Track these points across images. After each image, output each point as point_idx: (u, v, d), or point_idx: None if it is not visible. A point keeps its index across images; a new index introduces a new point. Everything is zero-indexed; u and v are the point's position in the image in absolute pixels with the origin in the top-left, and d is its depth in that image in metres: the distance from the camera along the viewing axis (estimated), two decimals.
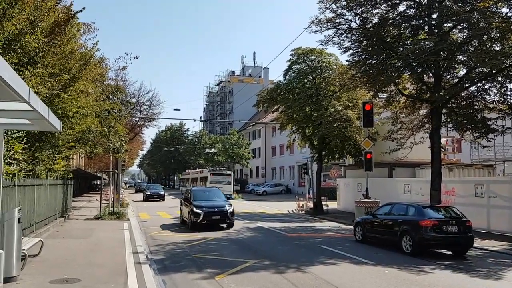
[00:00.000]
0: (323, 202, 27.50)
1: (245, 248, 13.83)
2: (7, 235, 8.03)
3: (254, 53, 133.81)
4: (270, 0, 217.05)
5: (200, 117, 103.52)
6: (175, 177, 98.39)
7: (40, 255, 10.72)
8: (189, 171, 61.02)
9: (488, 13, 15.16)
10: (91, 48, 16.22)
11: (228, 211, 18.19)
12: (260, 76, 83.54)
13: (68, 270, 9.29)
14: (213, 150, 57.11)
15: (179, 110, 47.35)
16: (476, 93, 18.44)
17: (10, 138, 11.12)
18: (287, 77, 28.92)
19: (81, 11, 13.54)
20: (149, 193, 41.86)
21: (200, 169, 53.22)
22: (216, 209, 18.08)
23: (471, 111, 18.00)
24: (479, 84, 17.93)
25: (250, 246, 14.24)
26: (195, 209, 17.82)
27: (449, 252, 13.19)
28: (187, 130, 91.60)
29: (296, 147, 41.31)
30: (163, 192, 42.72)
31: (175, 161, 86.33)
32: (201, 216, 17.59)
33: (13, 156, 11.33)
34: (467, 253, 13.01)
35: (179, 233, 17.00)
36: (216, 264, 10.96)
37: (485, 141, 18.46)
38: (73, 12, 13.51)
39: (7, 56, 10.13)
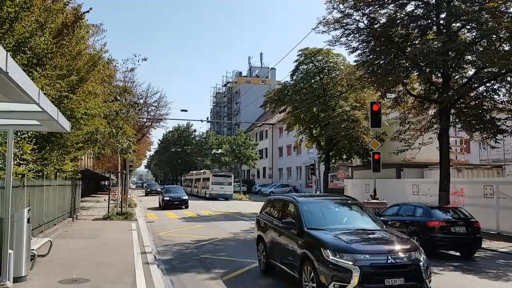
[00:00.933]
0: None
1: (253, 248, 13.70)
2: (17, 235, 8.09)
3: (261, 53, 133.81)
4: (277, 0, 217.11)
5: (207, 118, 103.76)
6: (182, 178, 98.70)
7: (49, 255, 10.78)
8: (193, 172, 62.84)
9: (497, 12, 15.04)
10: (100, 50, 16.34)
11: (421, 263, 7.30)
12: (267, 77, 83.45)
13: (76, 270, 9.35)
14: (220, 150, 57.18)
15: (186, 111, 48.20)
16: (485, 93, 18.30)
17: (19, 139, 11.21)
18: (294, 77, 28.93)
19: (88, 11, 13.67)
20: (167, 198, 31.87)
21: (203, 171, 55.20)
22: (389, 258, 7.13)
23: (480, 111, 17.88)
24: (488, 84, 17.80)
25: None
26: (332, 258, 7.06)
27: (457, 253, 13.11)
28: (194, 131, 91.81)
29: (303, 147, 41.29)
30: (186, 197, 33.35)
31: (182, 161, 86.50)
32: (356, 278, 6.81)
33: (22, 156, 11.43)
34: (475, 254, 12.92)
35: (186, 234, 17.04)
36: (224, 264, 10.99)
37: (494, 142, 18.31)
38: (80, 13, 13.62)
39: (17, 57, 10.23)
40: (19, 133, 11.22)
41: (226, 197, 44.28)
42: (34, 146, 12.33)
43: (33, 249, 8.96)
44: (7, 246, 7.33)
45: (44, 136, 13.86)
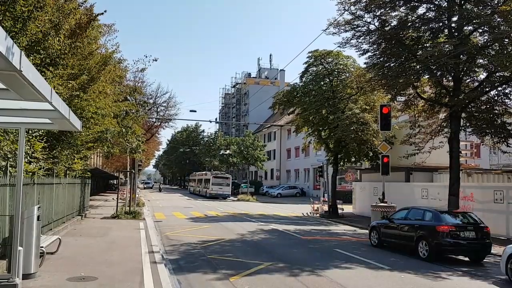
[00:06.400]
0: (338, 206, 27.31)
1: (260, 250, 13.82)
2: (27, 232, 8.16)
3: (270, 55, 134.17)
4: (288, 2, 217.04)
5: (216, 119, 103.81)
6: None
7: (57, 253, 10.87)
8: (196, 173, 66.57)
9: (509, 16, 14.89)
10: (112, 51, 16.39)
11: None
12: (276, 78, 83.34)
13: (85, 268, 9.41)
14: (228, 151, 57.32)
15: (195, 111, 48.24)
16: (496, 98, 18.17)
17: (30, 137, 11.30)
18: (304, 79, 28.83)
19: (102, 13, 13.72)
20: None
21: (204, 172, 59.54)
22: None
23: (491, 115, 17.73)
24: (499, 88, 17.67)
25: (265, 248, 14.23)
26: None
27: (466, 258, 13.00)
28: (203, 131, 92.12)
29: (311, 149, 41.21)
30: None
31: (190, 162, 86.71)
32: None
33: (33, 154, 11.52)
34: (485, 260, 12.82)
35: (193, 234, 17.08)
36: (231, 265, 10.98)
37: (505, 146, 18.14)
38: (94, 15, 13.69)
39: (31, 57, 10.31)
40: (30, 131, 11.31)
41: (224, 197, 48.65)
42: (45, 145, 12.41)
43: (42, 247, 9.04)
44: (17, 243, 7.38)
45: (55, 134, 13.94)
